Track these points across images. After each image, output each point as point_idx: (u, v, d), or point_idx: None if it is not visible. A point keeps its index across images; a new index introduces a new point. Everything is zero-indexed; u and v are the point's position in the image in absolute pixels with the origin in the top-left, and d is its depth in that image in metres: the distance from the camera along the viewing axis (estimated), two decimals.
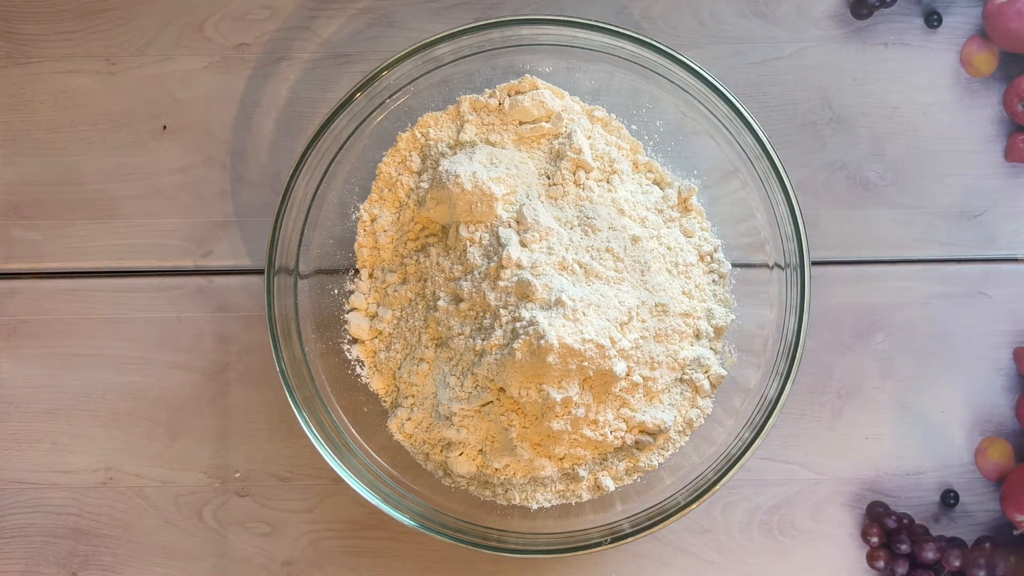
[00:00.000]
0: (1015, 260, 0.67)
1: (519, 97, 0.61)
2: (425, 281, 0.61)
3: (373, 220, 0.63)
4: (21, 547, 0.66)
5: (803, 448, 0.66)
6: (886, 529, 0.65)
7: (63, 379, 0.67)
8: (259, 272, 0.67)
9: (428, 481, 0.62)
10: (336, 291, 0.63)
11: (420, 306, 0.61)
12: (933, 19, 0.67)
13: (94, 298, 0.67)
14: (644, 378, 0.59)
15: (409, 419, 0.62)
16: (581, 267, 0.57)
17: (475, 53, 0.61)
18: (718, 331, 0.62)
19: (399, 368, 0.62)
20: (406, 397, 0.62)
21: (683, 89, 0.60)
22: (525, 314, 0.55)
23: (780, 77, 0.67)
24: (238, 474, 0.66)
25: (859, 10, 0.67)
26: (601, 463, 0.61)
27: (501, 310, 0.57)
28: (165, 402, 0.66)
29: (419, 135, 0.62)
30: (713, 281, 0.63)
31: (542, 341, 0.54)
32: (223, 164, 0.67)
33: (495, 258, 0.57)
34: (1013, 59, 0.67)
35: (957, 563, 0.64)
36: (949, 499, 0.65)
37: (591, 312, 0.56)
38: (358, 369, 0.63)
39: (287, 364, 0.59)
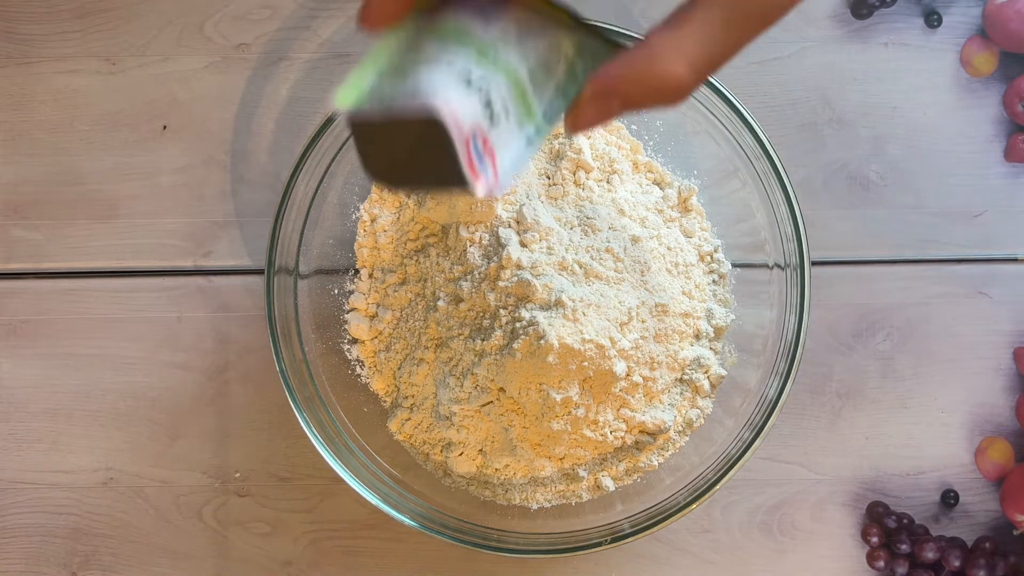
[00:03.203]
0: (1015, 260, 0.67)
1: None
2: (425, 281, 0.61)
3: (373, 220, 0.63)
4: (21, 547, 0.66)
5: (803, 448, 0.66)
6: (886, 529, 0.65)
7: (63, 379, 0.67)
8: (259, 272, 0.67)
9: (428, 481, 0.62)
10: (336, 291, 0.63)
11: (420, 306, 0.61)
12: (933, 19, 0.67)
13: (94, 298, 0.67)
14: (644, 378, 0.59)
15: (409, 419, 0.62)
16: (581, 267, 0.57)
17: None
18: (718, 331, 0.62)
19: (399, 368, 0.62)
20: (406, 397, 0.62)
21: None
22: (525, 314, 0.55)
23: (780, 77, 0.67)
24: (238, 474, 0.66)
25: (859, 10, 0.67)
26: (601, 463, 0.61)
27: (501, 310, 0.57)
28: (165, 402, 0.66)
29: None
30: (713, 281, 0.63)
31: (542, 341, 0.54)
32: (223, 164, 0.67)
33: (495, 258, 0.57)
34: (1013, 59, 0.67)
35: (957, 563, 0.64)
36: (949, 499, 0.65)
37: (591, 312, 0.56)
38: (358, 369, 0.63)
39: (287, 364, 0.60)
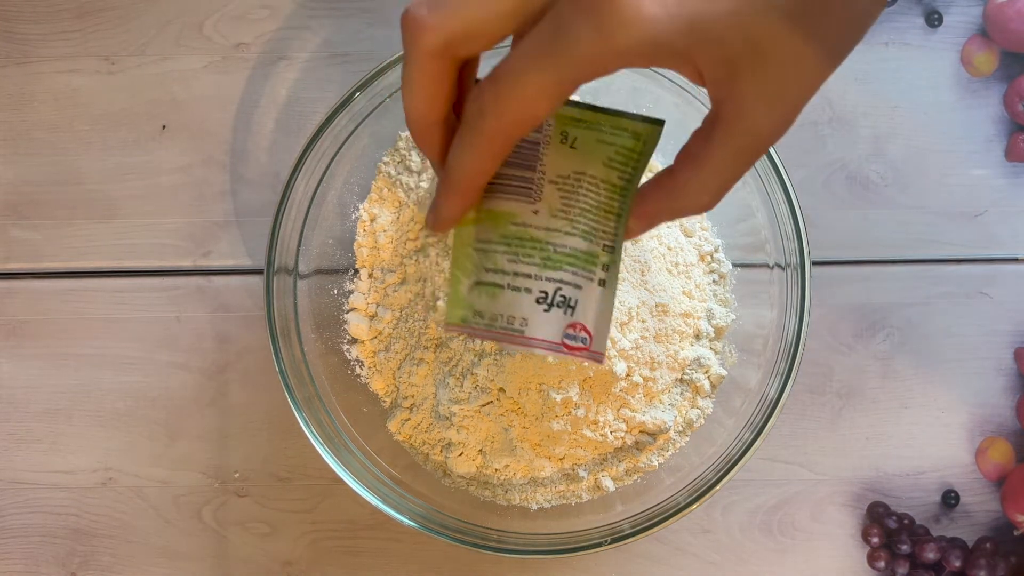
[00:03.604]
0: (1015, 260, 0.67)
1: None
2: (425, 281, 0.61)
3: (373, 220, 0.63)
4: (20, 547, 0.66)
5: (803, 448, 0.66)
6: (887, 529, 0.65)
7: (63, 379, 0.67)
8: (259, 272, 0.67)
9: (428, 481, 0.62)
10: (336, 291, 0.63)
11: (419, 306, 0.61)
12: (934, 18, 0.67)
13: (93, 298, 0.67)
14: (644, 378, 0.59)
15: (408, 419, 0.62)
16: None
17: None
18: (718, 331, 0.62)
19: (399, 368, 0.62)
20: (405, 397, 0.62)
21: (683, 89, 0.60)
22: None
23: None
24: (237, 474, 0.66)
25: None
26: (601, 463, 0.61)
27: None
28: (165, 402, 0.66)
29: None
30: (713, 281, 0.63)
31: None
32: (223, 164, 0.67)
33: None
34: (1014, 58, 0.67)
35: (958, 563, 0.64)
36: (950, 499, 0.65)
37: None
38: (358, 369, 0.63)
39: (287, 364, 0.59)
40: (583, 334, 0.42)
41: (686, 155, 0.40)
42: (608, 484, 0.61)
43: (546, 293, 0.42)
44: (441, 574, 0.65)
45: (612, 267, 0.42)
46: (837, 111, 0.67)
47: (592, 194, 0.42)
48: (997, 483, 0.65)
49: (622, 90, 0.63)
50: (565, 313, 0.42)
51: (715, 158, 0.39)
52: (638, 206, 0.42)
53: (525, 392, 0.57)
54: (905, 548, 0.64)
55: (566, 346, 0.42)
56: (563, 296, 0.42)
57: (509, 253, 0.42)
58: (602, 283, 0.42)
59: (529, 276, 0.41)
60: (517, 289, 0.41)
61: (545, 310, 0.42)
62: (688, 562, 0.65)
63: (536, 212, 0.41)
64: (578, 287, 0.42)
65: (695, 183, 0.40)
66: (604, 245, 0.42)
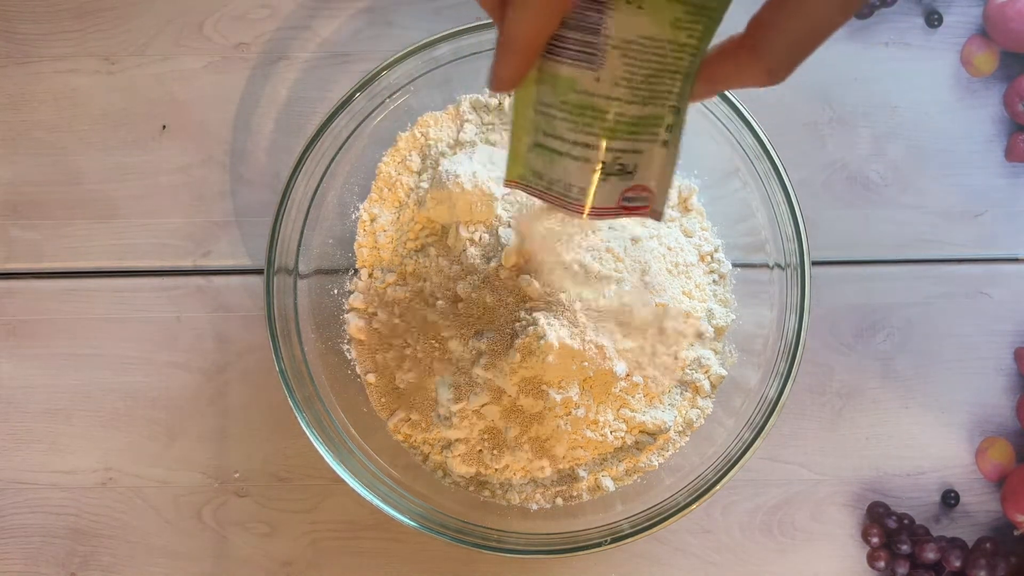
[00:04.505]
0: (1015, 260, 0.67)
1: None
2: (424, 281, 0.61)
3: (373, 220, 0.63)
4: (20, 547, 0.66)
5: (803, 448, 0.66)
6: (887, 529, 0.65)
7: (63, 379, 0.67)
8: (259, 272, 0.67)
9: (428, 481, 0.62)
10: (336, 291, 0.63)
11: (419, 306, 0.61)
12: (934, 19, 0.67)
13: (93, 298, 0.67)
14: (644, 378, 0.59)
15: (408, 419, 0.62)
16: (581, 267, 0.57)
17: (475, 53, 0.61)
18: (718, 331, 0.62)
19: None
20: None
21: None
22: (524, 314, 0.55)
23: None
24: (237, 474, 0.66)
25: (860, 10, 0.67)
26: (601, 463, 0.61)
27: (500, 310, 0.57)
28: (165, 402, 0.66)
29: (419, 135, 0.62)
30: (713, 281, 0.63)
31: (542, 341, 0.54)
32: (223, 164, 0.67)
33: (495, 258, 0.57)
34: (1014, 58, 0.67)
35: (958, 563, 0.64)
36: (950, 499, 0.65)
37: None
38: (357, 369, 0.63)
39: (287, 364, 0.59)
40: (644, 194, 0.41)
41: (758, 22, 0.39)
42: (608, 484, 0.61)
43: (604, 163, 0.41)
44: (441, 574, 0.65)
45: (676, 128, 0.42)
46: (837, 111, 0.67)
47: (658, 58, 0.40)
48: (997, 483, 0.65)
49: None
50: (623, 179, 0.41)
51: (789, 25, 0.37)
52: (705, 70, 0.40)
53: (525, 392, 0.57)
54: (905, 548, 0.64)
55: (624, 208, 0.41)
56: (621, 164, 0.41)
57: (568, 121, 0.40)
58: (664, 144, 0.41)
59: (588, 146, 0.40)
60: (575, 158, 0.40)
61: (602, 179, 0.41)
62: (688, 562, 0.65)
63: (598, 79, 0.40)
64: (638, 152, 0.41)
65: (766, 51, 0.38)
66: (670, 106, 0.41)
